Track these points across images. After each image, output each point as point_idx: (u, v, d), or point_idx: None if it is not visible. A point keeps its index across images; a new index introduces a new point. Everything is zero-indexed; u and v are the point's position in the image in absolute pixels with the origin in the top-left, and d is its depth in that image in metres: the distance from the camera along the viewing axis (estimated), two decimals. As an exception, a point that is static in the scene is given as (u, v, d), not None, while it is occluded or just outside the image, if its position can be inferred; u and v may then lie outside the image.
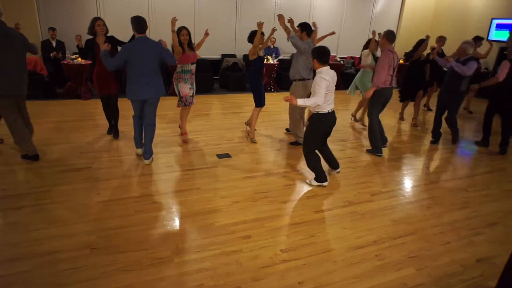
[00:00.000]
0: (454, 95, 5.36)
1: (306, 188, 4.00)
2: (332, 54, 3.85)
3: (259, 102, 5.11)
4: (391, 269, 2.74)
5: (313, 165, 4.01)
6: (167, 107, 7.01)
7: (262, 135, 5.63)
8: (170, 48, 4.72)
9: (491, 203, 3.92)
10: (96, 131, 5.45)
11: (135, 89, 4.09)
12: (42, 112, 6.34)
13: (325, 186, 4.05)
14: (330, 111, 3.81)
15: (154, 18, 8.82)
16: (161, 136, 5.28)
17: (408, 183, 4.32)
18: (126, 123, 5.73)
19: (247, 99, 8.11)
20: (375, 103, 5.00)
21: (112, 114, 5.15)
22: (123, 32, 5.02)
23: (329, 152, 4.29)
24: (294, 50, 5.26)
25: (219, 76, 9.47)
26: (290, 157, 4.89)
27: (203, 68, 8.47)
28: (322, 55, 3.65)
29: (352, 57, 10.87)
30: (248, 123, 5.58)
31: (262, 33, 4.85)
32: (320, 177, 4.02)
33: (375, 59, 6.14)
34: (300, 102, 3.59)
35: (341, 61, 10.12)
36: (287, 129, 5.92)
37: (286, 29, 4.83)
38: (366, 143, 5.51)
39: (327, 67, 3.70)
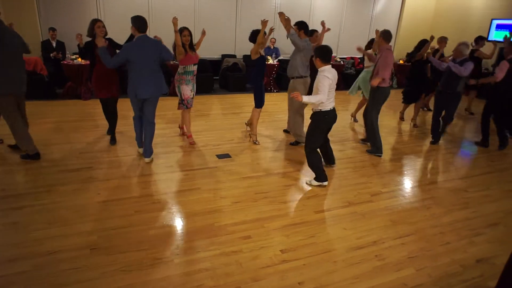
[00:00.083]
0: (451, 96, 5.38)
1: (306, 189, 4.00)
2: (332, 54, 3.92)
3: (260, 103, 5.11)
4: (391, 269, 2.74)
5: (315, 163, 4.02)
6: (166, 107, 7.01)
7: (262, 135, 5.63)
8: (171, 48, 4.72)
9: (491, 204, 3.92)
10: (96, 131, 5.45)
11: (136, 88, 4.11)
12: (42, 112, 6.35)
13: (325, 186, 4.06)
14: (332, 108, 3.89)
15: (154, 18, 8.82)
16: (161, 136, 5.28)
17: (408, 184, 4.32)
18: (126, 123, 5.74)
19: (247, 99, 8.12)
20: (377, 103, 5.00)
21: (110, 118, 4.98)
22: (123, 32, 4.99)
23: (328, 147, 4.40)
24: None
25: (219, 76, 9.47)
26: (290, 157, 4.89)
27: (203, 68, 8.46)
28: (325, 54, 3.75)
29: (352, 58, 10.88)
30: (248, 123, 5.58)
31: (264, 32, 4.86)
32: (321, 176, 4.03)
33: None
34: (305, 99, 3.68)
35: (341, 62, 10.12)
36: (285, 130, 5.92)
37: (286, 26, 4.86)
38: (367, 144, 5.53)
39: (329, 66, 3.79)
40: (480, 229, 3.38)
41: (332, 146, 4.64)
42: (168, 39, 4.81)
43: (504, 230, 3.41)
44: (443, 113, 5.64)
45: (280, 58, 9.70)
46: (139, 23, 4.01)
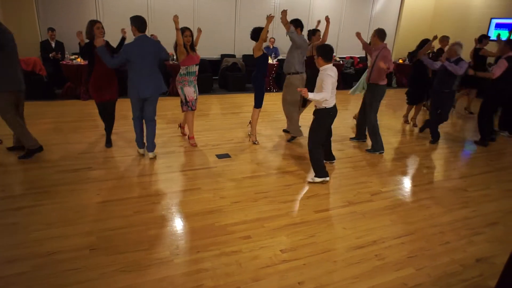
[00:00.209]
0: (447, 94, 5.44)
1: (306, 188, 4.00)
2: (333, 53, 3.97)
3: (260, 103, 5.11)
4: (391, 269, 2.74)
5: (317, 160, 4.11)
6: (166, 107, 7.01)
7: (261, 135, 5.62)
8: (171, 49, 4.72)
9: (491, 203, 3.92)
10: (95, 131, 5.45)
11: (137, 87, 4.14)
12: (41, 112, 6.34)
13: (327, 181, 4.12)
14: (334, 105, 4.01)
15: (154, 18, 8.81)
16: (161, 137, 5.27)
17: (407, 183, 4.32)
18: (125, 124, 5.74)
19: (247, 99, 8.12)
20: (376, 100, 5.05)
21: (108, 120, 4.84)
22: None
23: (329, 144, 4.50)
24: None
25: (219, 76, 9.47)
26: (290, 157, 4.89)
27: (202, 68, 8.43)
28: (327, 53, 3.84)
29: (351, 57, 10.88)
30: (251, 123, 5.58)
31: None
32: (322, 172, 4.11)
33: None
34: (311, 96, 3.76)
35: (341, 61, 10.12)
36: (284, 130, 5.91)
37: (286, 24, 4.90)
38: (366, 143, 5.53)
39: (331, 65, 3.87)
40: (480, 229, 3.38)
41: (332, 145, 4.66)
42: (168, 39, 4.81)
43: (503, 229, 3.41)
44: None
45: (279, 57, 9.70)
46: (139, 23, 4.04)
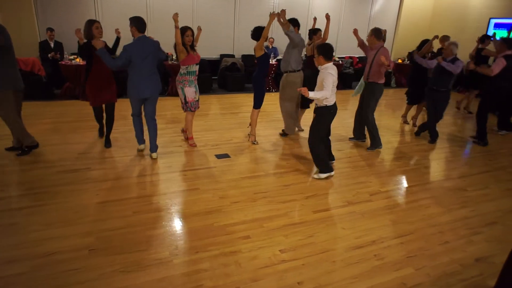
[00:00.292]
0: (443, 93, 5.47)
1: (305, 188, 4.00)
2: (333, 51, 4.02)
3: (260, 104, 5.11)
4: (390, 269, 2.75)
5: (320, 156, 4.22)
6: (166, 107, 7.01)
7: (260, 136, 5.62)
8: (172, 49, 4.71)
9: (490, 203, 3.92)
10: (94, 132, 5.43)
11: (139, 88, 4.17)
12: (40, 112, 6.33)
13: (332, 175, 4.24)
14: (335, 102, 4.10)
15: (153, 18, 8.81)
16: (160, 137, 5.25)
17: (406, 183, 4.33)
18: (124, 124, 5.73)
19: (246, 99, 8.12)
20: (375, 99, 5.13)
21: (107, 121, 4.82)
22: (122, 32, 4.98)
23: (329, 143, 4.56)
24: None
25: (218, 76, 9.46)
26: (289, 157, 4.89)
27: (201, 68, 8.43)
28: (327, 52, 3.92)
29: (350, 57, 10.88)
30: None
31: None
32: (326, 167, 4.23)
33: None
34: (311, 94, 3.81)
35: (340, 61, 10.12)
36: (282, 131, 5.89)
37: (286, 23, 4.93)
38: (365, 143, 5.53)
39: (332, 63, 3.95)
40: (479, 228, 3.39)
41: (332, 145, 4.66)
42: (167, 39, 4.81)
43: (502, 229, 3.41)
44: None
45: (278, 57, 9.69)
46: (139, 23, 4.07)
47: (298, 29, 5.23)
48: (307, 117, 5.87)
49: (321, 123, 4.17)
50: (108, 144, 4.87)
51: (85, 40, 4.35)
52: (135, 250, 2.78)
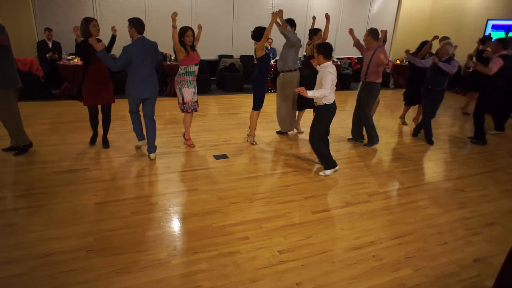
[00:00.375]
0: (438, 93, 5.50)
1: (303, 189, 4.00)
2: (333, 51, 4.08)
3: (260, 105, 5.11)
4: (388, 269, 2.75)
5: (324, 152, 4.31)
6: (165, 108, 7.00)
7: (259, 136, 5.62)
8: (172, 49, 4.71)
9: (488, 203, 3.93)
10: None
11: (139, 88, 4.19)
12: (38, 113, 6.31)
13: (337, 170, 4.38)
14: (334, 101, 4.15)
15: (151, 18, 8.79)
16: (158, 137, 5.23)
17: (405, 184, 4.33)
18: (122, 124, 5.72)
19: (244, 100, 8.12)
20: (373, 98, 5.24)
21: (104, 122, 4.78)
22: (120, 32, 4.97)
23: (328, 143, 4.57)
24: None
25: (216, 76, 9.46)
26: (288, 157, 4.88)
27: (200, 68, 8.44)
28: (326, 51, 3.98)
29: (349, 58, 10.90)
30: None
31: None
32: (331, 163, 4.33)
33: None
34: (310, 93, 3.85)
35: (338, 62, 10.13)
36: (278, 132, 5.90)
37: (283, 23, 4.96)
38: (364, 143, 5.54)
39: (330, 62, 4.00)
40: (477, 229, 3.39)
41: (330, 145, 4.66)
42: (165, 39, 4.80)
43: (501, 229, 3.42)
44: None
45: (277, 58, 9.69)
46: (138, 24, 4.10)
47: (295, 29, 5.28)
48: (307, 118, 5.88)
49: (321, 123, 4.22)
50: (106, 144, 4.86)
51: (82, 38, 4.27)
52: (134, 251, 2.77)
